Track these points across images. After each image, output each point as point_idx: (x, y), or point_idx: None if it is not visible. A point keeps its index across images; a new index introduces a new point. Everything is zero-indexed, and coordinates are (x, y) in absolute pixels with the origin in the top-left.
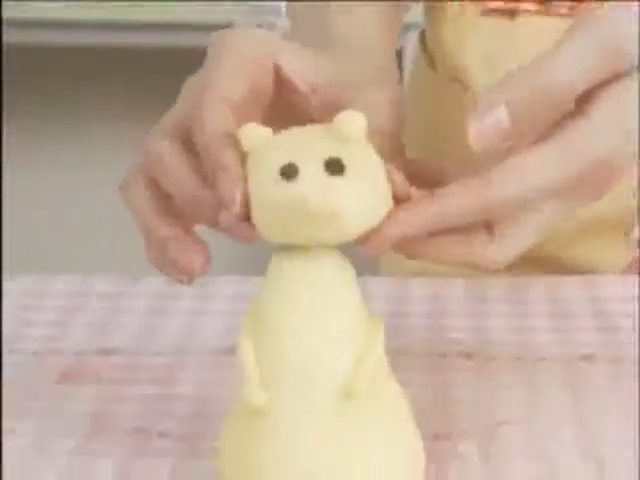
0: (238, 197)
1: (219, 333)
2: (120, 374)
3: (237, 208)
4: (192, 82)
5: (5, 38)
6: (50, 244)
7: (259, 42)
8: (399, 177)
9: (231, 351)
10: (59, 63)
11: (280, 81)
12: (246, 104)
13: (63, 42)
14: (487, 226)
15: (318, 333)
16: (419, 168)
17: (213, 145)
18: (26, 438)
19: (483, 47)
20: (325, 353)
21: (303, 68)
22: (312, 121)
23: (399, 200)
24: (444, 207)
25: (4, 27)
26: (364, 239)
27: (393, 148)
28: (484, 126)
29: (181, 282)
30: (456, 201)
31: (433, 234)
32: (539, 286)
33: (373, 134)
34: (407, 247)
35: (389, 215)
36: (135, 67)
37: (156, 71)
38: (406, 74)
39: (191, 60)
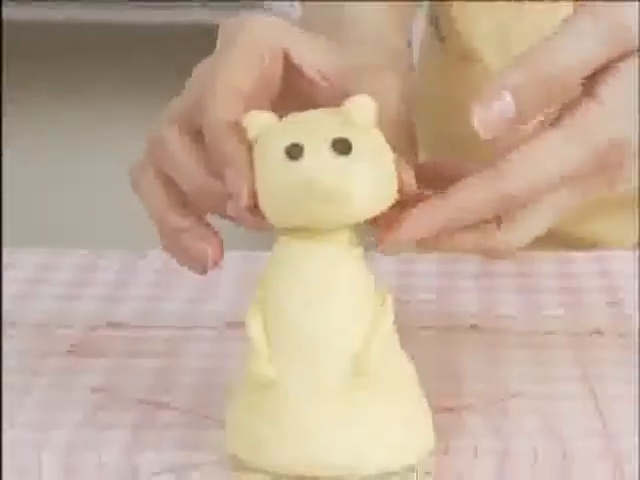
0: (245, 190)
1: (226, 307)
2: (127, 347)
3: (245, 201)
4: (201, 69)
5: (5, 14)
6: (58, 218)
7: (269, 29)
8: (407, 175)
9: (237, 325)
10: (61, 39)
11: (289, 68)
12: (255, 92)
13: (63, 19)
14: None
15: (326, 310)
16: (436, 170)
17: (220, 136)
18: (33, 410)
19: (495, 26)
20: (333, 329)
21: (313, 54)
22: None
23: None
24: (460, 203)
25: (4, 3)
26: (378, 240)
27: (403, 138)
28: (489, 115)
29: (195, 271)
30: (471, 196)
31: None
32: (549, 261)
33: (382, 122)
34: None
35: (405, 217)
36: (139, 44)
37: (161, 48)
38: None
39: (197, 39)
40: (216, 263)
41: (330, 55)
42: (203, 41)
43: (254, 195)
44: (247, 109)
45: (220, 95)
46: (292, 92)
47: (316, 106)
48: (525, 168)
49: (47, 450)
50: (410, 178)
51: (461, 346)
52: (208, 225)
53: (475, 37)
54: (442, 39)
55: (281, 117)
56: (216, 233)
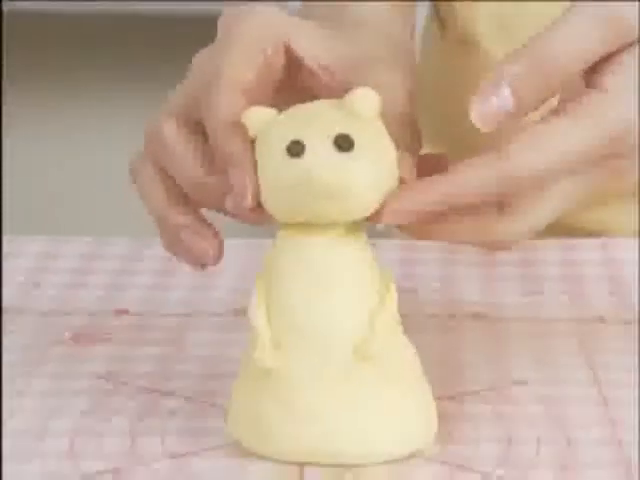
0: (250, 191)
1: (230, 294)
2: (132, 335)
3: (249, 202)
4: (201, 59)
5: (5, 6)
6: (62, 206)
7: (269, 21)
8: (409, 176)
9: (241, 312)
10: (61, 29)
11: (290, 60)
12: (258, 87)
13: (65, 9)
14: (499, 205)
15: (329, 297)
16: (438, 163)
17: (224, 135)
18: (37, 398)
19: (496, 14)
20: (337, 316)
21: (314, 46)
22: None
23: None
24: (461, 181)
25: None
26: (378, 212)
27: (406, 133)
28: (486, 108)
29: (194, 268)
30: (473, 175)
31: (444, 214)
32: (552, 249)
33: (385, 116)
34: (416, 227)
35: (406, 188)
36: (140, 34)
37: (161, 38)
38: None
39: (198, 29)
40: (216, 263)
41: (333, 46)
42: (203, 31)
43: (257, 195)
44: (250, 104)
45: (223, 93)
46: (294, 84)
47: (318, 98)
48: (528, 151)
49: (51, 437)
50: (411, 173)
51: (464, 334)
52: (209, 224)
53: (475, 21)
54: (442, 26)
55: (282, 110)
56: (217, 233)
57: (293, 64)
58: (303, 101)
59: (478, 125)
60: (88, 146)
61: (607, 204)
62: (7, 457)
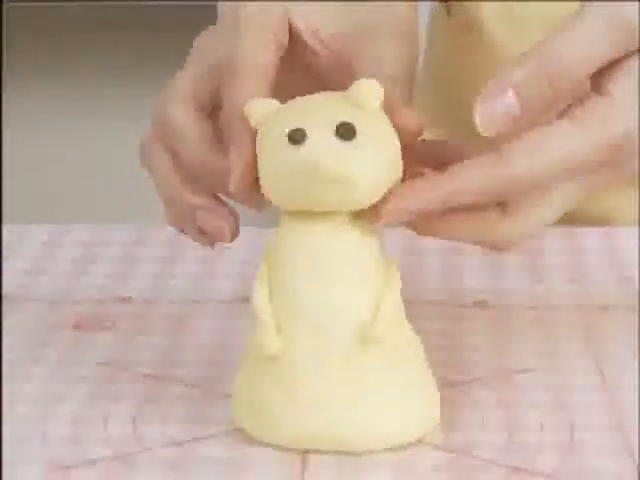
0: (237, 173)
1: (234, 282)
2: (135, 322)
3: (232, 186)
4: (204, 44)
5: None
6: (65, 194)
7: (271, 4)
8: (409, 118)
9: (245, 300)
10: (62, 21)
11: (292, 37)
12: (273, 69)
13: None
14: (501, 206)
15: (331, 281)
16: (436, 149)
17: (235, 120)
18: (40, 385)
19: (500, 2)
20: (338, 300)
21: (312, 20)
22: (325, 77)
23: (407, 136)
24: (460, 181)
25: None
26: (377, 211)
27: (404, 91)
28: (492, 112)
29: (203, 245)
30: (472, 176)
31: (446, 213)
32: (556, 237)
33: (385, 80)
34: (418, 223)
35: (404, 187)
36: (138, 23)
37: (160, 27)
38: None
39: (196, 21)
40: (233, 240)
41: (334, 19)
42: (202, 22)
43: (250, 172)
44: (269, 90)
45: (243, 82)
46: (296, 62)
47: (320, 74)
48: (528, 153)
49: (54, 423)
50: (411, 122)
51: (468, 321)
52: (224, 203)
53: (479, 9)
54: (448, 11)
55: (285, 89)
56: (232, 210)
57: (296, 40)
58: (305, 77)
59: (481, 129)
60: (89, 135)
61: (608, 192)
62: (9, 443)
